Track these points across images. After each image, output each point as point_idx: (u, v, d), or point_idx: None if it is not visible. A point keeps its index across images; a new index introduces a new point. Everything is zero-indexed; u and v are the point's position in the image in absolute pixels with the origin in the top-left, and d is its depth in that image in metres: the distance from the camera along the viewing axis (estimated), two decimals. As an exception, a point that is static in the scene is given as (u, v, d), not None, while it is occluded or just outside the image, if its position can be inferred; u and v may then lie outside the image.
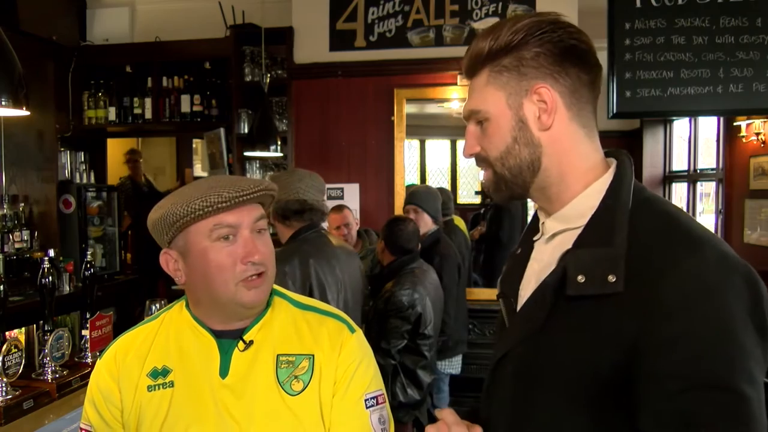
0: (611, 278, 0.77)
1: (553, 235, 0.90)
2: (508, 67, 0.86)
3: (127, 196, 4.97)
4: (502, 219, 4.22)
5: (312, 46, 4.00)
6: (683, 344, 0.72)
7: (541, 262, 0.91)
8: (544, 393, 0.84)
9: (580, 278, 0.79)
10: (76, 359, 2.15)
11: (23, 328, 2.14)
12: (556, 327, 0.82)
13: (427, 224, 3.17)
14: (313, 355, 1.08)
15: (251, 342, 1.08)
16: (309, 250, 2.07)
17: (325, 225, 3.79)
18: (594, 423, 0.79)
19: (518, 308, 0.92)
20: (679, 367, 0.72)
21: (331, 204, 3.66)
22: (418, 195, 3.26)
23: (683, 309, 0.73)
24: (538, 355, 0.85)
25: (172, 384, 1.07)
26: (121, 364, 1.11)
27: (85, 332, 2.14)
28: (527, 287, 0.92)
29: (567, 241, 0.86)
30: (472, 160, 0.93)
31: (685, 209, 5.65)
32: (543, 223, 0.93)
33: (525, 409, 0.87)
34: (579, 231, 0.85)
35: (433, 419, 0.91)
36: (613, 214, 0.82)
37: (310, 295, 2.01)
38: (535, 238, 0.96)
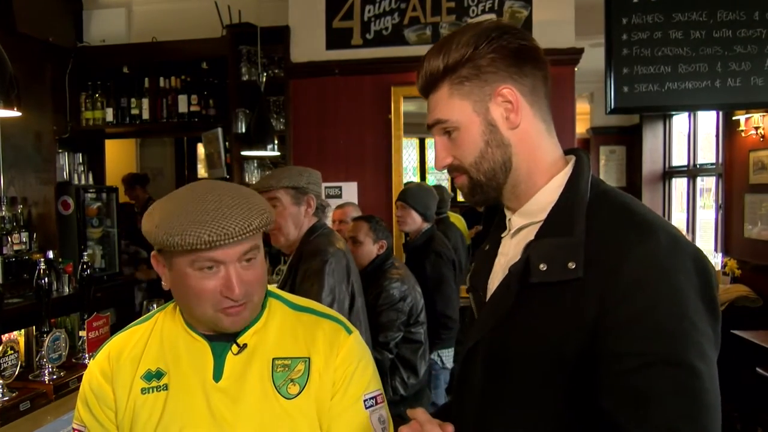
0: (571, 265, 0.81)
1: (518, 230, 0.95)
2: (468, 77, 0.90)
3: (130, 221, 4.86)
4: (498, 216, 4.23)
5: (308, 44, 3.99)
6: (639, 324, 0.76)
7: (507, 256, 0.95)
8: (512, 378, 0.87)
9: (542, 266, 0.83)
10: (74, 360, 2.15)
11: (22, 330, 2.13)
12: (522, 314, 0.86)
13: (415, 221, 3.16)
14: (308, 358, 1.07)
15: (245, 345, 1.07)
16: (338, 252, 2.00)
17: (329, 222, 3.81)
18: (561, 404, 0.83)
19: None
20: (635, 345, 0.76)
21: (329, 203, 3.67)
22: (406, 191, 3.26)
23: (639, 291, 0.77)
24: (506, 342, 0.88)
25: (166, 387, 1.06)
26: (114, 366, 1.09)
27: (83, 333, 2.14)
28: (495, 280, 0.96)
29: (530, 234, 0.90)
30: None
31: (685, 204, 5.65)
32: (509, 219, 0.98)
33: (494, 396, 0.90)
34: (541, 224, 0.90)
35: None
36: (572, 206, 0.87)
37: (352, 299, 1.98)
38: (502, 235, 1.00)
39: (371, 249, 2.73)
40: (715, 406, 0.75)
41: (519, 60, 0.89)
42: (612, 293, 0.77)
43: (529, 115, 0.90)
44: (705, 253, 0.83)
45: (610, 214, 0.85)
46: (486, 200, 0.95)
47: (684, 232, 5.36)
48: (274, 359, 1.07)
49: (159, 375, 1.07)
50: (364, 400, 1.08)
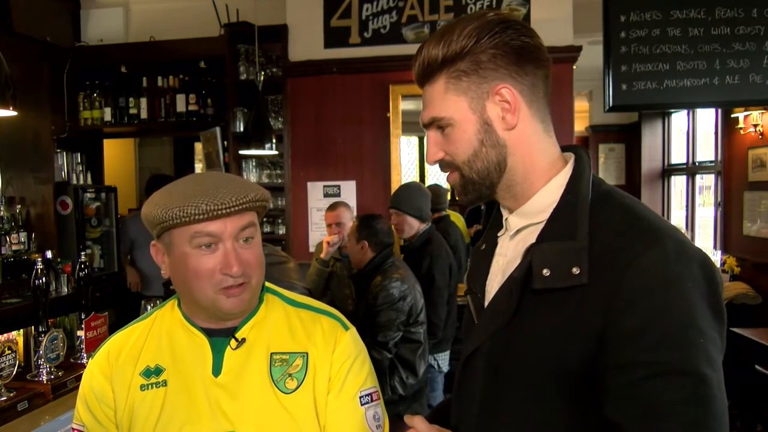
0: (575, 270, 0.79)
1: (517, 231, 0.92)
2: (466, 72, 0.86)
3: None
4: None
5: (306, 43, 3.99)
6: (646, 333, 0.74)
7: (506, 257, 0.93)
8: (514, 386, 0.85)
9: (546, 272, 0.81)
10: (72, 360, 2.14)
11: (21, 330, 2.13)
12: (525, 321, 0.83)
13: (412, 226, 3.10)
14: (306, 353, 1.08)
15: (243, 340, 1.07)
16: None
17: (321, 220, 3.80)
18: (564, 414, 0.81)
19: (486, 303, 0.93)
20: (643, 355, 0.74)
21: (327, 202, 3.67)
22: (396, 197, 3.17)
23: (645, 299, 0.74)
24: (508, 349, 0.85)
25: (165, 383, 1.06)
26: (114, 364, 1.10)
27: (81, 333, 2.13)
28: (494, 282, 0.94)
29: (530, 236, 0.87)
30: None
31: (684, 202, 5.65)
32: (506, 219, 0.95)
33: (495, 403, 0.87)
34: (542, 226, 0.87)
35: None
36: (574, 208, 0.84)
37: None
38: (498, 234, 0.98)
39: (355, 248, 2.73)
40: (724, 411, 0.74)
41: (521, 58, 0.85)
42: (618, 302, 0.75)
43: (527, 115, 0.87)
44: (709, 255, 0.81)
45: (615, 217, 0.82)
46: (479, 198, 0.93)
47: (683, 230, 5.38)
48: (272, 354, 1.07)
49: (158, 371, 1.07)
50: (360, 397, 1.08)
